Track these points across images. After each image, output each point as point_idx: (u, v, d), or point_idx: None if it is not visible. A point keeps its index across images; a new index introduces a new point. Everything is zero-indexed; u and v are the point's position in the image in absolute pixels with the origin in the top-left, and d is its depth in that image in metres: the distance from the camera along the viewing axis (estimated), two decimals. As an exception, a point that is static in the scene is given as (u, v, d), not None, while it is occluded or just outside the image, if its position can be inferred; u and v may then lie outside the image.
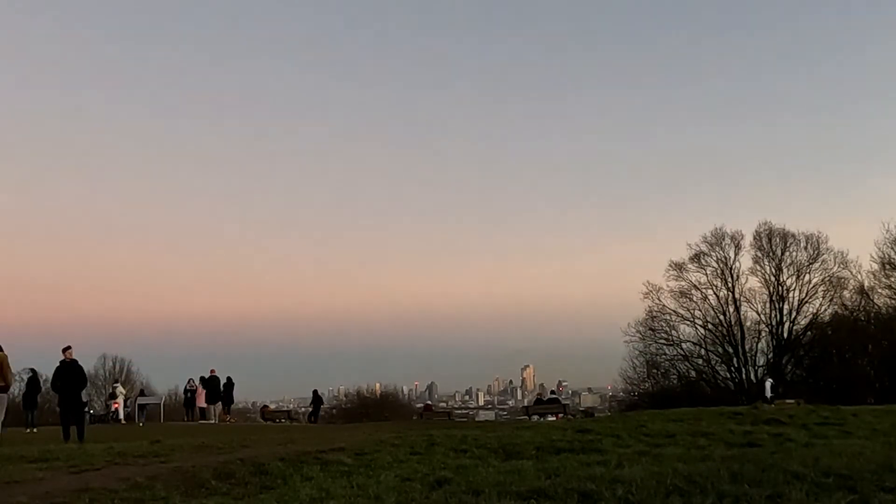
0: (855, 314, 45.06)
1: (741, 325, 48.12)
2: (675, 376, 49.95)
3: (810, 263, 47.16)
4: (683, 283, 49.45)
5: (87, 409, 29.35)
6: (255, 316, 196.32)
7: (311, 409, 32.78)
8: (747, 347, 47.95)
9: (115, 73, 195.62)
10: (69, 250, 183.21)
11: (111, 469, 8.94)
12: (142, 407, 28.75)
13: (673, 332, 49.85)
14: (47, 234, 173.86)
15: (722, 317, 48.65)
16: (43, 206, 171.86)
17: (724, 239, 49.10)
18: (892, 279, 43.63)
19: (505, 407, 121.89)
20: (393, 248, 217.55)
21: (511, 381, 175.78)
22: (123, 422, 25.84)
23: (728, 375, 48.65)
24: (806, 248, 47.38)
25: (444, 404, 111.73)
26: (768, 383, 28.50)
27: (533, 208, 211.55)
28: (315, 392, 32.19)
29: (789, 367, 47.50)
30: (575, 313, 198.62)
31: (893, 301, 43.46)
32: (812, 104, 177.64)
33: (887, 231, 43.63)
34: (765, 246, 48.13)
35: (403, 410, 55.19)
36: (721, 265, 48.91)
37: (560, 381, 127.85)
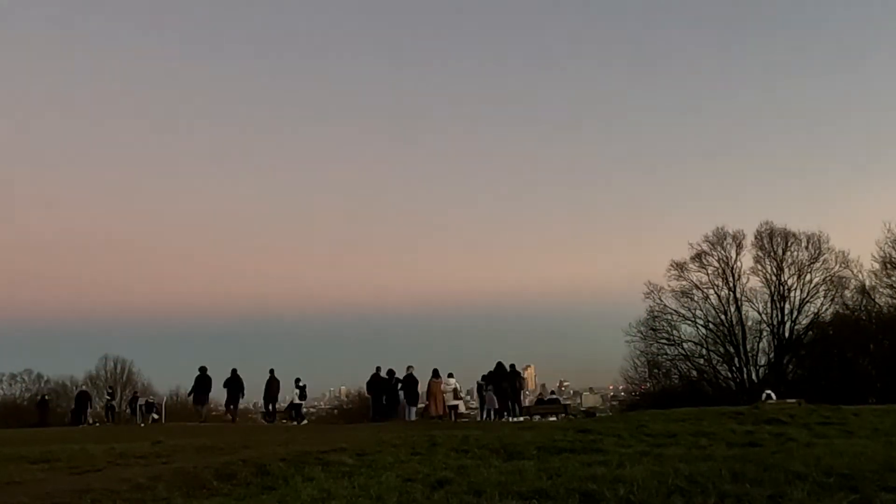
0: (856, 314, 45.01)
1: (742, 325, 48.13)
2: (676, 376, 49.94)
3: (811, 263, 47.22)
4: (685, 282, 49.54)
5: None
6: (253, 315, 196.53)
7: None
8: (748, 347, 47.96)
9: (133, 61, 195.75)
10: (71, 249, 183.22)
11: (113, 470, 8.96)
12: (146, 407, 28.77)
13: (674, 331, 49.91)
14: (50, 233, 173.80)
15: (723, 316, 48.67)
16: (43, 204, 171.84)
17: (725, 238, 49.19)
18: (894, 278, 43.57)
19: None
20: (395, 247, 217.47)
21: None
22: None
23: (729, 375, 48.61)
24: (807, 247, 47.44)
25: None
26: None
27: (534, 207, 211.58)
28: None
29: (790, 366, 47.48)
30: (576, 313, 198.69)
31: (895, 300, 43.42)
32: (813, 103, 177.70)
33: (888, 230, 43.64)
34: (766, 245, 48.19)
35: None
36: (722, 265, 48.98)
37: (561, 381, 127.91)
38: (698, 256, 49.34)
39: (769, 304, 47.80)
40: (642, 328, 49.99)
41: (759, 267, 48.11)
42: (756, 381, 45.51)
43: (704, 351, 49.41)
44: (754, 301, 48.29)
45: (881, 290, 44.52)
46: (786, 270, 47.57)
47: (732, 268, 48.70)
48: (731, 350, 48.21)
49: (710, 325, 49.03)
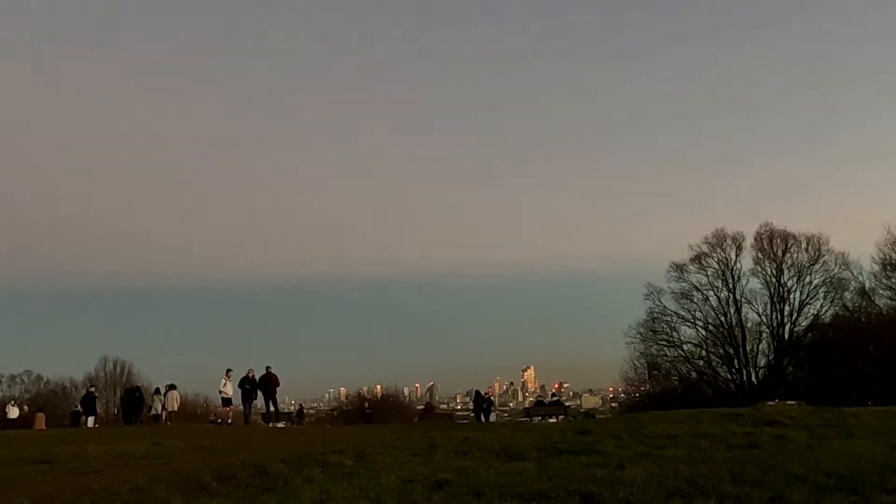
0: (856, 315, 45.01)
1: (742, 327, 48.13)
2: (676, 378, 49.97)
3: (811, 265, 47.24)
4: (684, 284, 49.60)
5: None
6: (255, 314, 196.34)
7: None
8: (748, 349, 47.99)
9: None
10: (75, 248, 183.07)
11: (112, 471, 8.96)
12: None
13: (674, 333, 49.97)
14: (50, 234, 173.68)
15: (723, 318, 48.67)
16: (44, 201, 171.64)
17: (725, 240, 49.25)
18: (893, 280, 43.58)
19: (506, 409, 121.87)
20: (402, 248, 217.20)
21: (512, 383, 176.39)
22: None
23: (729, 377, 48.62)
24: (807, 249, 47.46)
25: (444, 406, 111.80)
26: None
27: (536, 208, 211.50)
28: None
29: (790, 368, 47.47)
30: (576, 314, 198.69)
31: (894, 302, 43.41)
32: (814, 104, 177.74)
33: (888, 232, 43.68)
34: (766, 247, 48.21)
35: (404, 412, 55.13)
36: (722, 266, 48.99)
37: (561, 383, 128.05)
38: (698, 258, 49.43)
39: (769, 306, 47.89)
40: (642, 330, 50.12)
41: (759, 268, 48.21)
42: (756, 382, 45.53)
43: (704, 353, 49.44)
44: (754, 303, 48.42)
45: (881, 291, 44.61)
46: (785, 272, 47.62)
47: (732, 269, 48.78)
48: (731, 352, 48.23)
49: (710, 327, 49.07)
